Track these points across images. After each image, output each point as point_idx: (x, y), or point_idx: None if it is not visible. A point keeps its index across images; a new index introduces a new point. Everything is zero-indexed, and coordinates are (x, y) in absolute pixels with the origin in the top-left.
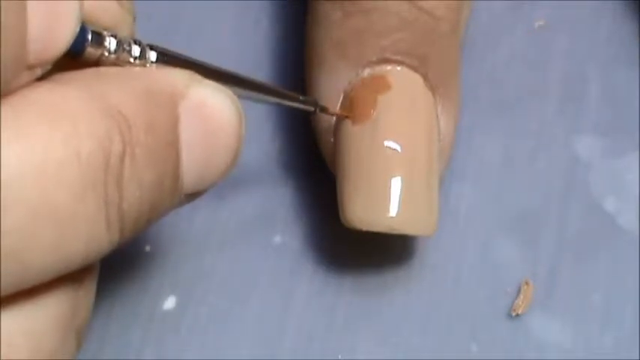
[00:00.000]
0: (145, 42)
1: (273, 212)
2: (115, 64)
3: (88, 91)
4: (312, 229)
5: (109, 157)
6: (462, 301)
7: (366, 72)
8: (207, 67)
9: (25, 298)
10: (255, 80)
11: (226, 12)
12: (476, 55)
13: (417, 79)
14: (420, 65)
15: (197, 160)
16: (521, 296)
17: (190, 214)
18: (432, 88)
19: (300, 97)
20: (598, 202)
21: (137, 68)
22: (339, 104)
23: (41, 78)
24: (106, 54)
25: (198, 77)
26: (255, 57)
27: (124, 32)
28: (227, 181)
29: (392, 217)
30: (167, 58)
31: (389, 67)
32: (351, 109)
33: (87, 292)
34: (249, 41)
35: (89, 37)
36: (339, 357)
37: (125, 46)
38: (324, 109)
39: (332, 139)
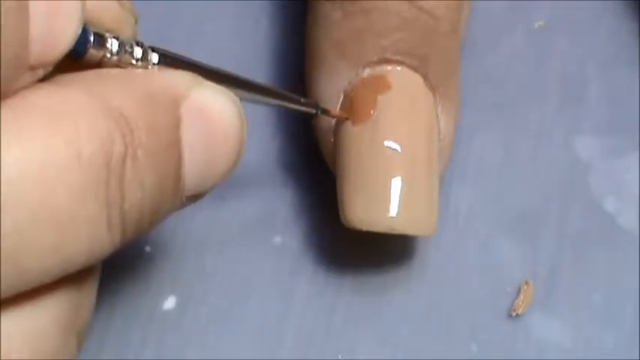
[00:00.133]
0: (146, 43)
1: (273, 212)
2: (117, 65)
3: (89, 93)
4: (312, 229)
5: (111, 159)
6: (462, 301)
7: (366, 72)
8: (209, 69)
9: (26, 300)
10: (256, 82)
11: (226, 12)
12: (476, 55)
13: (417, 79)
14: (420, 65)
15: (199, 162)
16: (521, 296)
17: (190, 214)
18: (432, 88)
19: (302, 100)
20: (598, 202)
21: (139, 70)
22: (339, 104)
23: (43, 79)
24: (108, 55)
25: (200, 79)
26: (255, 57)
27: (126, 34)
28: (227, 181)
29: (392, 217)
30: (169, 60)
31: (389, 67)
32: (351, 109)
33: (88, 293)
34: (249, 41)
35: (91, 38)
36: (339, 357)
37: (127, 47)
38: (325, 112)
39: (332, 139)
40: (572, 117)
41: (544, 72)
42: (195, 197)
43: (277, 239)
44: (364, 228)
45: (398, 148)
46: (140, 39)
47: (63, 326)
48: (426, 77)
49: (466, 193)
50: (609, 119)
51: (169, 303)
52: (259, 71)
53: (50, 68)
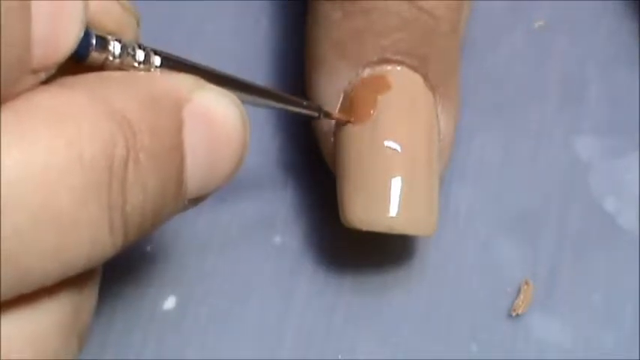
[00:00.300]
0: (147, 45)
1: (273, 212)
2: (120, 68)
3: (92, 95)
4: (312, 229)
5: (113, 162)
6: (462, 301)
7: (366, 72)
8: (212, 72)
9: (28, 302)
10: (259, 85)
11: (226, 12)
12: (476, 55)
13: (417, 79)
14: (420, 65)
15: (201, 165)
16: (521, 296)
17: (191, 215)
18: (432, 87)
19: (304, 103)
20: (598, 202)
21: (141, 73)
22: (339, 104)
23: (45, 82)
24: (111, 58)
25: (202, 82)
26: (255, 57)
27: (129, 36)
28: None
29: (392, 217)
30: (171, 63)
31: (389, 67)
32: (351, 109)
33: (89, 295)
34: (249, 41)
35: (93, 41)
36: (339, 357)
37: (129, 50)
38: (327, 115)
39: (332, 139)
40: (572, 117)
41: (544, 72)
42: (197, 200)
43: (277, 239)
44: (364, 228)
45: (398, 148)
46: (140, 39)
47: (64, 328)
48: (426, 77)
49: (466, 193)
50: (609, 119)
51: (169, 303)
52: (259, 71)
53: (53, 71)
